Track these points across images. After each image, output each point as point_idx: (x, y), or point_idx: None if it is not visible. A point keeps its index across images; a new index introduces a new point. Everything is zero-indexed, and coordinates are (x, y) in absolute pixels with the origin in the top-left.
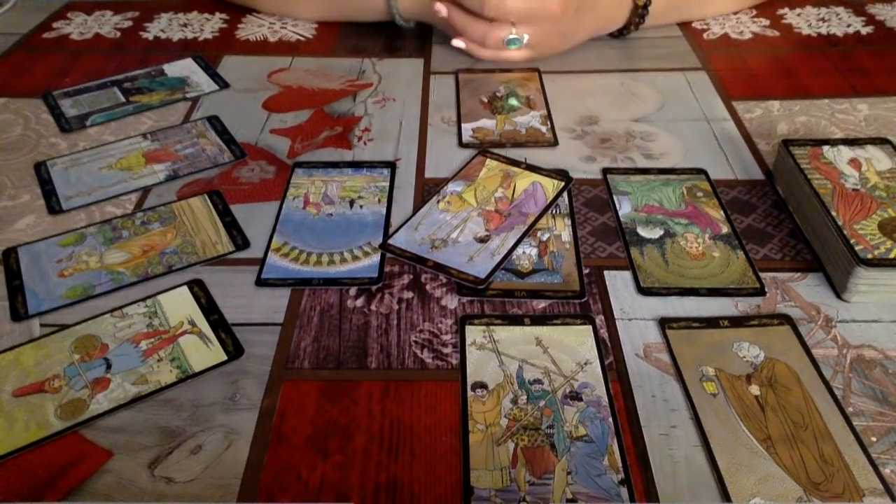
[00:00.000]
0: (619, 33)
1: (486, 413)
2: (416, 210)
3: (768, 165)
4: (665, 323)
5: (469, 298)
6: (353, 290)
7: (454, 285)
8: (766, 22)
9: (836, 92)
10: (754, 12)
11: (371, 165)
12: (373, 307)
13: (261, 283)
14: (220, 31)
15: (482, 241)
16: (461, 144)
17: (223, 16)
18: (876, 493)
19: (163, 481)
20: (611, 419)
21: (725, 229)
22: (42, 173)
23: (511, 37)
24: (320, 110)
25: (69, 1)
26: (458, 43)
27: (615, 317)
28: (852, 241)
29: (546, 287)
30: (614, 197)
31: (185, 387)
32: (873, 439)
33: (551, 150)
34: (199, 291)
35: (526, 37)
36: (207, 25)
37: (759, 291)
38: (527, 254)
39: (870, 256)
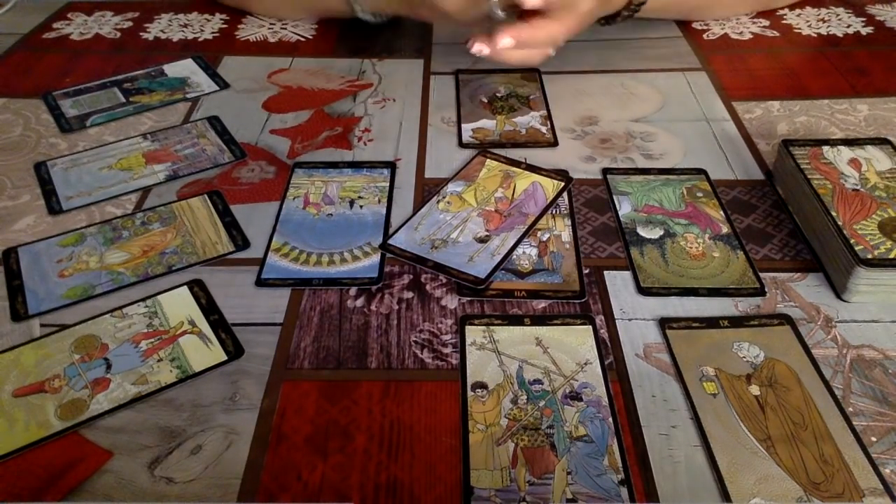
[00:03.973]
0: (611, 18)
1: (486, 413)
2: (416, 210)
3: (768, 165)
4: (665, 323)
5: (469, 298)
6: (353, 291)
7: (454, 285)
8: (766, 22)
9: (836, 92)
10: (754, 13)
11: (371, 165)
12: (373, 307)
13: (261, 283)
14: (220, 31)
15: (482, 241)
16: (461, 144)
17: (223, 16)
18: (876, 493)
19: (163, 481)
20: (611, 419)
21: (725, 229)
22: (42, 173)
23: None
24: (320, 110)
25: (69, 1)
26: (481, 48)
27: (615, 317)
28: (852, 241)
29: (546, 287)
30: (614, 197)
31: (185, 387)
32: (873, 439)
33: (551, 150)
34: (199, 291)
35: None
36: (207, 26)
37: (759, 291)
38: (527, 254)
39: (870, 256)
